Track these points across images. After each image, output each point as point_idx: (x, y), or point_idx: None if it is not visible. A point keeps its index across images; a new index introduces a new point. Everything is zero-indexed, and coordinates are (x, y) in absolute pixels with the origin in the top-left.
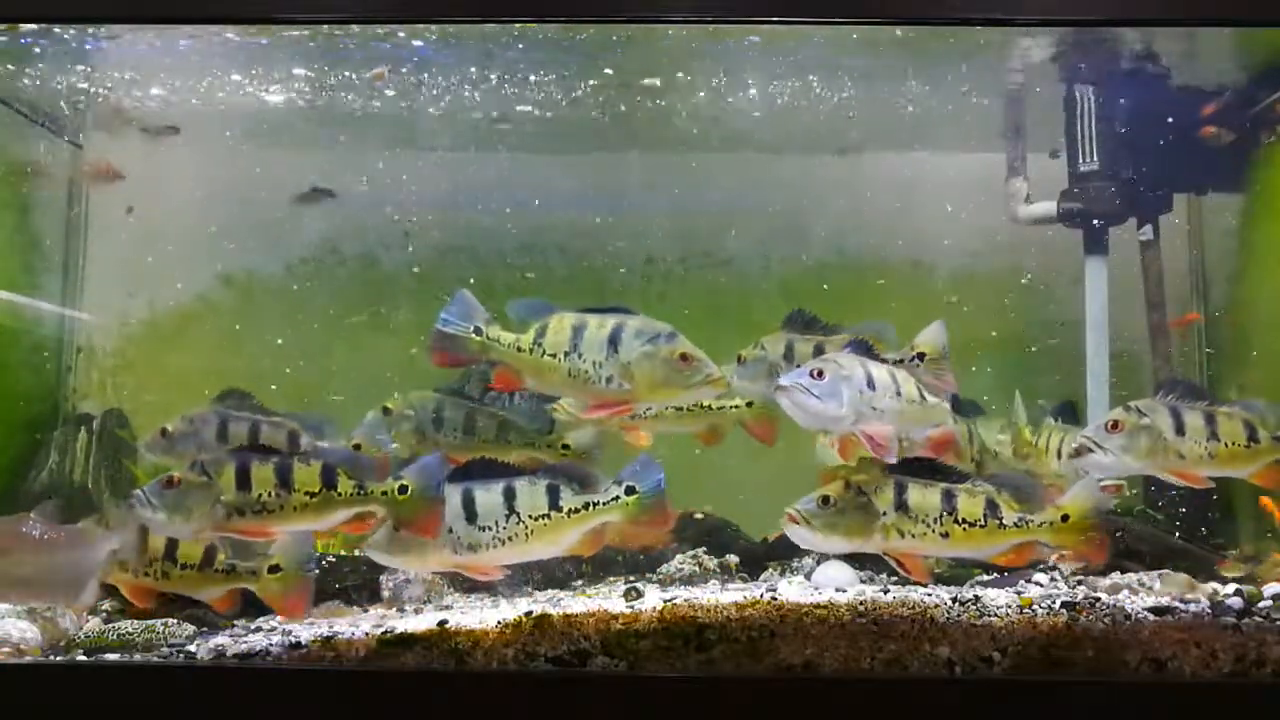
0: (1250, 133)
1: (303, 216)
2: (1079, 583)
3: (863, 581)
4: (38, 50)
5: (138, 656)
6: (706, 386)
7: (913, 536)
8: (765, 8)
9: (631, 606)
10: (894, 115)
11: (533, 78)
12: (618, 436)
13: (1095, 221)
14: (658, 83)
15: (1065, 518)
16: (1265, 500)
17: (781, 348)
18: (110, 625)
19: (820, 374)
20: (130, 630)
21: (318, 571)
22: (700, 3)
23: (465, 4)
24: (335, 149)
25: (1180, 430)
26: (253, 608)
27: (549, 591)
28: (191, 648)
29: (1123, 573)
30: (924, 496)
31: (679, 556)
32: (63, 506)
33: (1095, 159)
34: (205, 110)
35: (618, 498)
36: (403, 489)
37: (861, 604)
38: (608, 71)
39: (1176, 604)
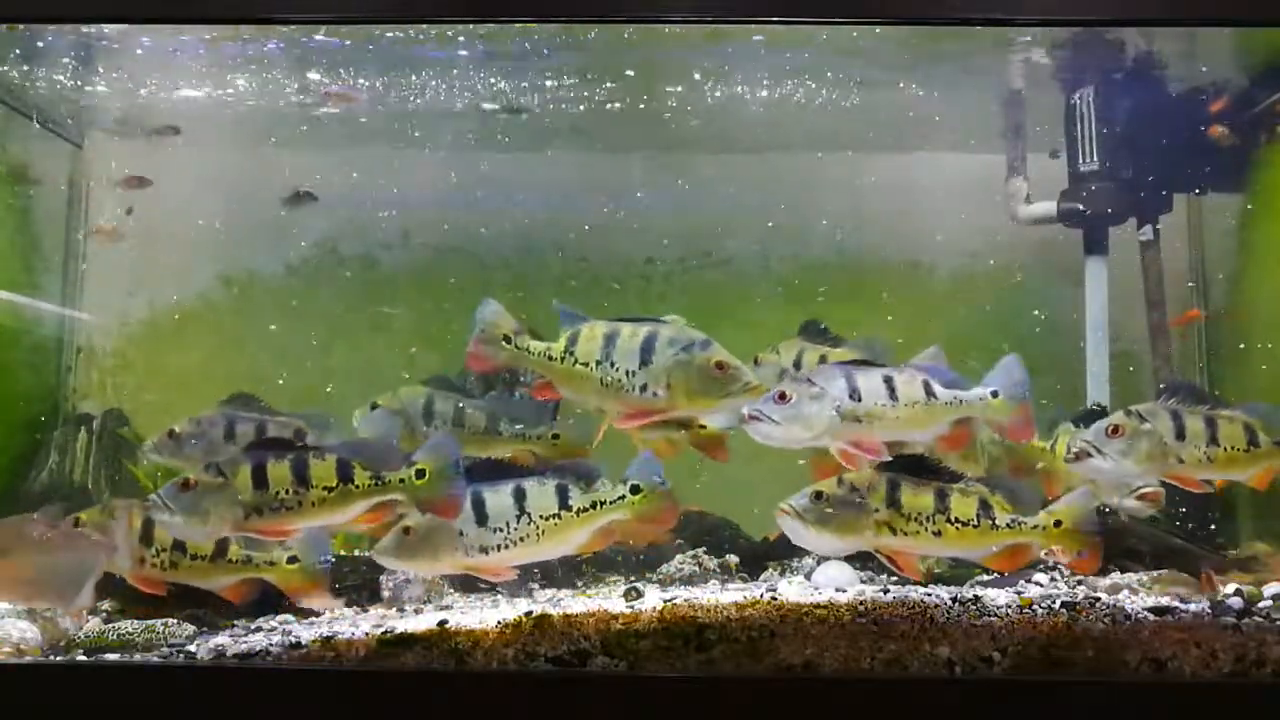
0: (1251, 133)
1: (305, 217)
2: (1079, 583)
3: (863, 582)
4: (38, 47)
5: (138, 656)
6: (745, 395)
7: (905, 534)
8: (765, 8)
9: (631, 606)
10: (898, 116)
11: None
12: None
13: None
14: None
15: (1058, 523)
16: None
17: (794, 355)
18: (110, 625)
19: (784, 397)
20: (130, 630)
21: (332, 562)
22: (700, 2)
23: (466, 4)
24: (334, 150)
25: (1180, 435)
26: (254, 605)
27: (549, 591)
28: (191, 648)
29: (1123, 573)
30: (917, 495)
31: (679, 556)
32: (65, 509)
33: (1095, 159)
34: (206, 110)
35: (624, 496)
36: (420, 473)
37: (861, 604)
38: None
39: (1176, 604)
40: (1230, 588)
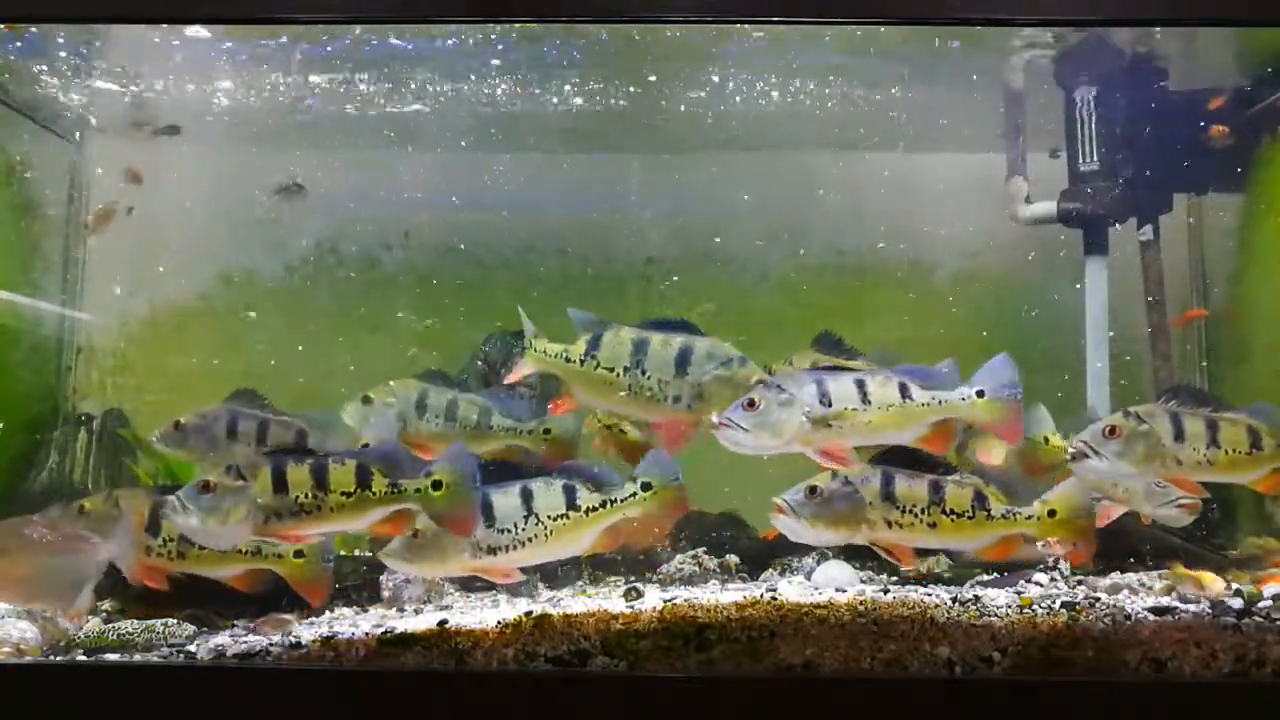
0: (1251, 132)
1: (304, 216)
2: (1079, 583)
3: (863, 582)
4: (38, 46)
5: (138, 656)
6: None
7: (900, 527)
8: (765, 7)
9: (631, 606)
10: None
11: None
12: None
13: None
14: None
15: (1053, 513)
16: None
17: (806, 365)
18: (110, 625)
19: (753, 404)
20: (130, 630)
21: (335, 561)
22: (700, 2)
23: (466, 4)
24: (336, 149)
25: (1180, 436)
26: (256, 604)
27: (549, 591)
28: (191, 648)
29: (1123, 572)
30: (911, 487)
31: (679, 556)
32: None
33: (1095, 159)
34: (205, 110)
35: (635, 494)
36: (436, 484)
37: (861, 604)
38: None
39: (1176, 604)
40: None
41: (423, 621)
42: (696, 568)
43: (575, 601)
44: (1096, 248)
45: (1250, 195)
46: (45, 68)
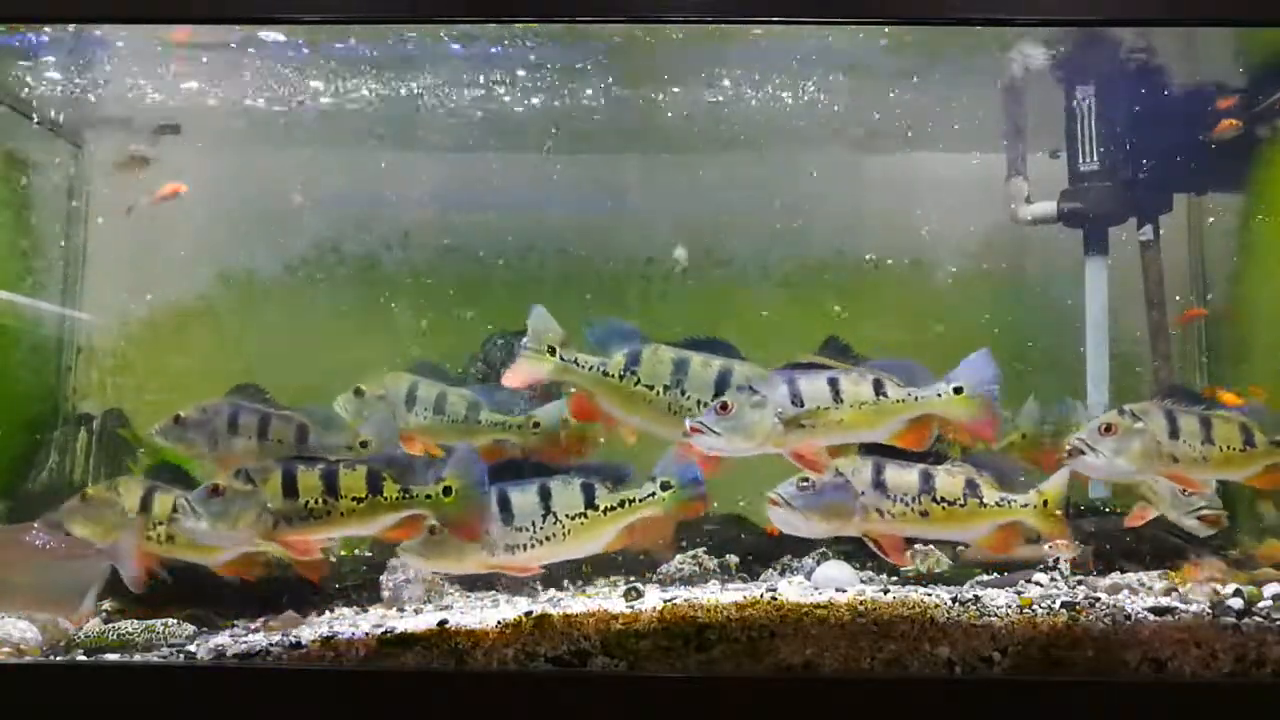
0: (1251, 132)
1: (305, 218)
2: (1079, 583)
3: (863, 582)
4: (38, 45)
5: (138, 656)
6: None
7: (892, 516)
8: (765, 7)
9: (631, 606)
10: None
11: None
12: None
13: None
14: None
15: (1046, 502)
16: None
17: None
18: (110, 625)
19: (726, 408)
20: (130, 630)
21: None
22: (700, 1)
23: (466, 4)
24: (335, 149)
25: (1174, 434)
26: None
27: (549, 591)
28: (191, 648)
29: (1123, 572)
30: (901, 476)
31: (679, 556)
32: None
33: (1095, 159)
34: (206, 110)
35: (654, 494)
36: (446, 490)
37: (861, 604)
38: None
39: (1176, 604)
40: (1230, 588)
41: (423, 621)
42: (696, 568)
43: (575, 601)
44: (1096, 248)
45: (1250, 195)
46: (45, 66)
